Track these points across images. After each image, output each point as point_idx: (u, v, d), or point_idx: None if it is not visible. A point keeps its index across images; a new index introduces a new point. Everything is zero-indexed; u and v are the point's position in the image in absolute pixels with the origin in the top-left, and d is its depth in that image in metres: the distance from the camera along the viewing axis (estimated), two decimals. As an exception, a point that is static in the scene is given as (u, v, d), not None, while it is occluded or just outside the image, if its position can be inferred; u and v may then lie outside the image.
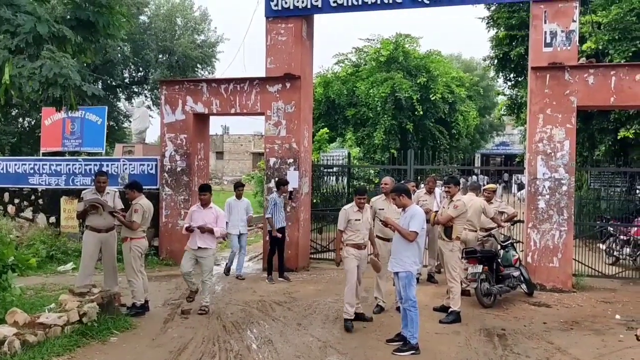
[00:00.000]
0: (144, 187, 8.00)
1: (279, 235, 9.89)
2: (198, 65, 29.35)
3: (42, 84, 4.45)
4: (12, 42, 4.60)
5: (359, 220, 7.04)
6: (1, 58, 4.59)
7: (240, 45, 25.29)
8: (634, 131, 13.39)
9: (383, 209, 7.61)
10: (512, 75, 17.91)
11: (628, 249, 11.19)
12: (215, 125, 58.17)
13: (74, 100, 4.86)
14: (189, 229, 7.50)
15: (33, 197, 12.48)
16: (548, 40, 9.29)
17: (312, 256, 11.66)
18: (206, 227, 7.48)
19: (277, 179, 10.29)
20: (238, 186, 10.37)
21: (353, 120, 21.89)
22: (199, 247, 7.54)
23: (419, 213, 6.36)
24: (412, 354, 6.03)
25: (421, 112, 20.75)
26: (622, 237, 11.32)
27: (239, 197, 10.18)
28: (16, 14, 4.61)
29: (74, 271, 9.87)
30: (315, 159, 14.07)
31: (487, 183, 10.90)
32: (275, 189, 10.08)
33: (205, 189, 7.82)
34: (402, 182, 11.32)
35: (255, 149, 42.88)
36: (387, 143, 20.83)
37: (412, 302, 6.20)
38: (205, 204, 7.72)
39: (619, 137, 13.82)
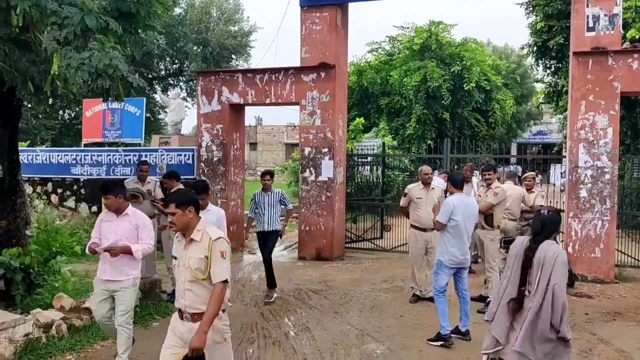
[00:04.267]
0: (181, 177, 8.12)
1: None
2: (233, 56, 29.60)
3: (91, 74, 4.56)
4: (60, 33, 4.73)
5: None
6: (50, 49, 4.73)
7: (275, 36, 25.36)
8: None
9: (421, 198, 7.57)
10: (552, 63, 17.45)
11: (673, 240, 10.84)
12: (249, 116, 58.69)
13: (122, 91, 4.98)
14: (92, 250, 5.04)
15: (75, 186, 12.84)
16: (590, 25, 9.02)
17: (347, 245, 11.69)
18: (118, 247, 4.89)
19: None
20: (199, 192, 5.60)
21: (387, 109, 21.72)
22: (110, 280, 5.00)
23: (444, 204, 6.32)
24: (441, 344, 5.96)
25: (449, 102, 20.46)
26: (667, 227, 10.97)
27: (205, 206, 5.90)
28: (62, 6, 4.75)
29: (115, 259, 10.11)
30: (350, 149, 14.04)
31: (524, 172, 10.71)
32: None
33: (108, 190, 5.05)
34: (438, 170, 11.25)
35: (289, 140, 43.01)
36: (422, 133, 20.62)
37: (436, 291, 6.16)
38: (116, 210, 5.07)
39: None
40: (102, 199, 5.15)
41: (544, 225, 3.86)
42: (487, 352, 3.91)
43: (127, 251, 4.92)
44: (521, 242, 3.95)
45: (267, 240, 7.96)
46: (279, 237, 8.15)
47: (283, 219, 8.30)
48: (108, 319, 5.12)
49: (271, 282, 7.90)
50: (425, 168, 7.79)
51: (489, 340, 3.91)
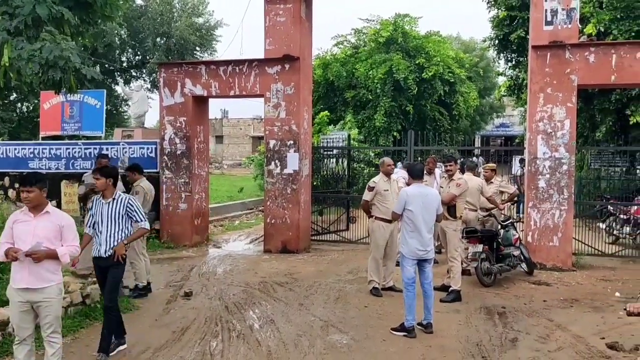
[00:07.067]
0: (144, 170, 7.98)
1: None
2: (197, 49, 29.19)
3: (42, 66, 4.42)
4: (10, 23, 4.57)
5: None
6: (0, 40, 4.57)
7: (239, 27, 25.06)
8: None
9: (387, 190, 7.61)
10: (513, 56, 17.77)
11: (628, 228, 11.24)
12: (215, 109, 57.98)
13: (74, 83, 4.84)
14: (12, 256, 4.26)
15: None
16: (549, 19, 9.22)
17: (313, 238, 11.71)
18: (41, 252, 4.25)
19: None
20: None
21: (353, 103, 21.80)
22: (28, 288, 4.31)
23: (399, 194, 6.56)
24: (404, 335, 5.96)
25: (415, 92, 20.68)
26: (622, 216, 11.35)
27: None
28: (13, -6, 4.60)
29: (76, 254, 9.90)
30: (316, 142, 14.04)
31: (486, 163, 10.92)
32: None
33: (34, 181, 4.40)
34: (401, 162, 11.36)
35: (255, 133, 42.76)
36: (389, 125, 20.78)
37: (405, 283, 6.13)
38: (36, 206, 4.41)
39: (631, 123, 13.57)
40: (23, 192, 4.38)
41: None
42: None
43: (52, 255, 4.32)
44: None
45: (108, 273, 5.35)
46: (122, 263, 5.41)
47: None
48: (30, 338, 4.45)
49: (118, 332, 5.47)
50: (388, 159, 7.86)
51: None
